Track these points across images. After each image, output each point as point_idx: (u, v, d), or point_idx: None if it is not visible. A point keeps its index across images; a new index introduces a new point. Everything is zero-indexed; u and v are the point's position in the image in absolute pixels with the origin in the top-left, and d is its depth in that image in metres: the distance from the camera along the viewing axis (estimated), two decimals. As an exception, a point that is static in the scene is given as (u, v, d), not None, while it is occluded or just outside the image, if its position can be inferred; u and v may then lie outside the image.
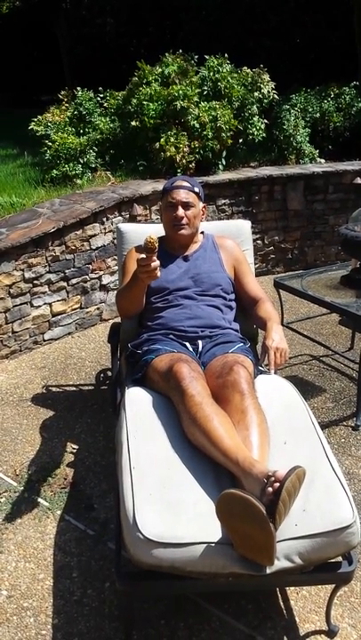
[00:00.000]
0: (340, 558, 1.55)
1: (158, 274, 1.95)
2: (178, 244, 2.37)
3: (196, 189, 2.33)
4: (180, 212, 2.27)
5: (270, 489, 1.42)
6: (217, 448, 1.61)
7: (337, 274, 3.13)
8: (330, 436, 2.60)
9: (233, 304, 2.36)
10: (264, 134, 4.77)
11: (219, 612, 1.76)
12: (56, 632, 1.71)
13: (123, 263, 2.43)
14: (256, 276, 2.63)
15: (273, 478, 1.43)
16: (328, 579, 1.62)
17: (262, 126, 4.73)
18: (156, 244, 1.87)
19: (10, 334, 3.29)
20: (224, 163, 4.53)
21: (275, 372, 2.05)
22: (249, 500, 1.37)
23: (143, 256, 1.90)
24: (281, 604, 1.80)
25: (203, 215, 2.38)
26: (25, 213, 3.59)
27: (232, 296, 2.36)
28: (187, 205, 2.28)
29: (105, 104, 4.84)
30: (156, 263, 1.92)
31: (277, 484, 1.41)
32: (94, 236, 3.64)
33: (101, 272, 3.73)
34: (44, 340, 3.50)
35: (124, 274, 2.35)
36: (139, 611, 1.75)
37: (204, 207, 2.40)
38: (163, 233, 2.41)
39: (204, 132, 4.31)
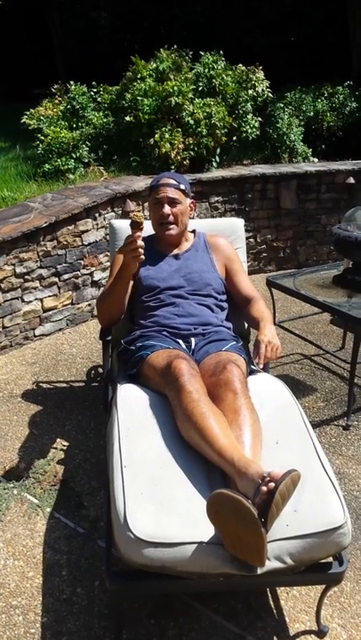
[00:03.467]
0: (330, 559, 1.55)
1: (142, 257, 1.97)
2: (167, 243, 2.36)
3: (183, 186, 2.30)
4: (167, 209, 2.26)
5: (264, 488, 1.41)
6: (212, 446, 1.61)
7: (329, 273, 3.14)
8: (321, 436, 2.60)
9: (225, 304, 2.35)
10: (258, 132, 4.77)
11: (209, 611, 1.76)
12: (45, 630, 1.70)
13: (110, 266, 2.41)
14: (248, 274, 2.63)
15: (268, 478, 1.42)
16: (319, 579, 1.62)
17: (256, 124, 4.72)
18: (143, 219, 1.88)
19: (0, 329, 3.26)
20: (218, 160, 4.52)
21: (262, 367, 2.05)
22: (240, 502, 1.37)
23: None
24: (271, 603, 1.80)
25: (191, 211, 2.37)
26: (16, 208, 3.56)
27: (223, 297, 2.35)
28: (173, 202, 2.26)
29: (98, 99, 4.81)
30: (142, 242, 1.92)
31: (272, 484, 1.40)
32: (86, 231, 3.62)
33: (93, 268, 3.71)
34: (35, 336, 3.47)
35: (109, 276, 2.34)
36: (128, 610, 1.75)
37: (193, 203, 2.38)
38: (152, 231, 2.39)
39: (199, 129, 4.29)
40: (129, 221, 1.97)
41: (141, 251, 1.96)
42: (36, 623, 1.72)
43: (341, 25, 6.72)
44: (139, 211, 1.92)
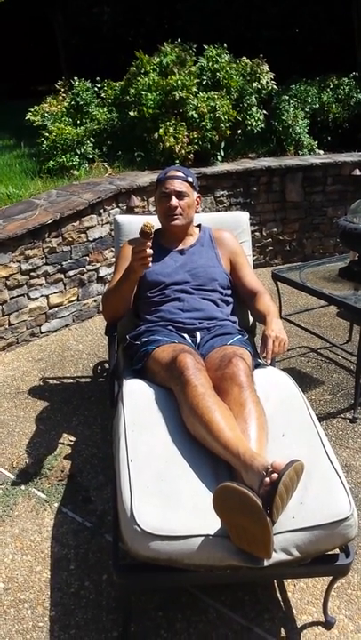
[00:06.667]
0: (337, 550, 1.55)
1: (150, 264, 1.97)
2: (173, 237, 2.36)
3: (190, 179, 2.31)
4: (174, 201, 2.25)
5: (268, 479, 1.42)
6: (217, 440, 1.61)
7: (335, 266, 3.12)
8: (327, 429, 2.60)
9: (230, 299, 2.35)
10: (263, 125, 4.74)
11: (216, 603, 1.76)
12: (53, 624, 1.71)
13: (115, 261, 2.42)
14: (254, 267, 2.62)
15: (271, 469, 1.43)
16: (325, 571, 1.62)
17: (261, 117, 4.70)
18: (153, 230, 1.89)
19: (7, 326, 3.28)
20: (222, 154, 4.50)
21: (271, 362, 2.05)
22: (245, 494, 1.37)
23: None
24: (278, 595, 1.80)
25: (197, 205, 2.37)
26: (22, 205, 3.57)
27: (229, 291, 2.35)
28: (180, 195, 2.26)
29: (102, 94, 4.80)
30: (150, 251, 1.93)
31: (275, 475, 1.40)
32: (91, 227, 3.62)
33: (98, 264, 3.71)
34: (41, 333, 3.48)
35: (115, 272, 2.34)
36: (136, 603, 1.76)
37: (199, 197, 2.38)
38: (159, 225, 2.39)
39: (203, 123, 4.28)
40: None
41: (150, 259, 1.96)
42: (44, 617, 1.73)
43: (343, 20, 6.67)
44: (151, 226, 1.92)
